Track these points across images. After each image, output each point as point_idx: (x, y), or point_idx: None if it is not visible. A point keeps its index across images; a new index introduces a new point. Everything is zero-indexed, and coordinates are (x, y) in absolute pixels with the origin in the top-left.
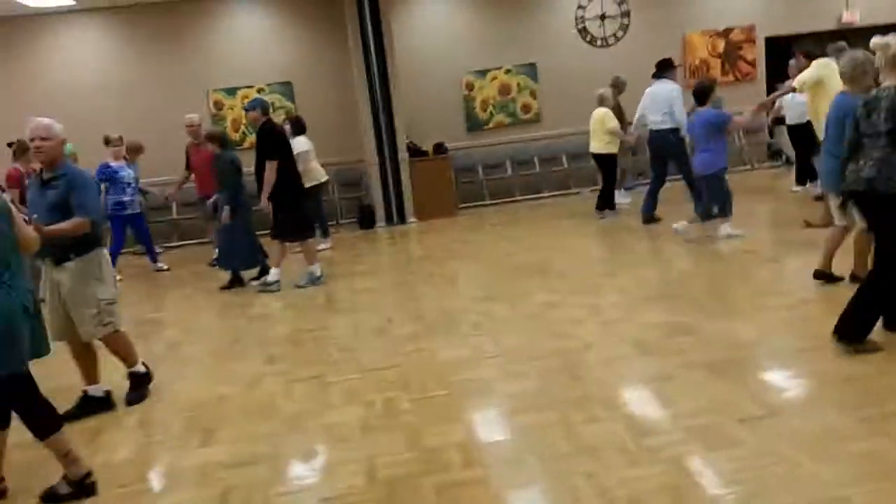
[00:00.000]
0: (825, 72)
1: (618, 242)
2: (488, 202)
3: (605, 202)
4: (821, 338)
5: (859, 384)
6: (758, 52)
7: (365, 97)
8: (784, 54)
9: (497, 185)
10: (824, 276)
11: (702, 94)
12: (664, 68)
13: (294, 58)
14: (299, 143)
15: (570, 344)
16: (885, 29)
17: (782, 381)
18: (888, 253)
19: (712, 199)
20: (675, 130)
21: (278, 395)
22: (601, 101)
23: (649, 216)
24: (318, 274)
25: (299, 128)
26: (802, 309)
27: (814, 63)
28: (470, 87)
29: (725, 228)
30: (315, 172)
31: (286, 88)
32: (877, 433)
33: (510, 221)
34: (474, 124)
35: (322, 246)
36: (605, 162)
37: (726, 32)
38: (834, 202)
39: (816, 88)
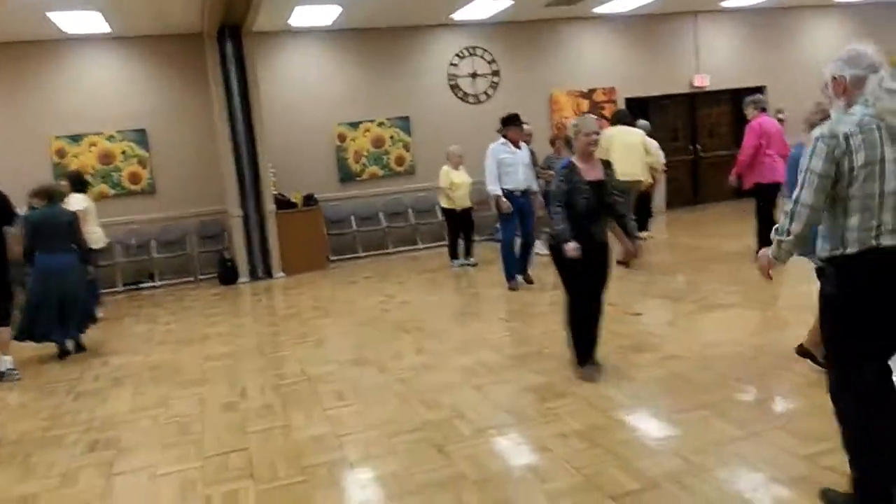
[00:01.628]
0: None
1: (495, 296)
2: (361, 254)
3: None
4: (697, 397)
5: (736, 448)
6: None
7: (228, 146)
8: (644, 114)
9: (370, 238)
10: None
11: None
12: (502, 124)
13: (150, 104)
14: (76, 201)
15: (441, 414)
16: (732, 92)
17: (656, 448)
18: None
19: None
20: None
21: (95, 493)
22: (451, 159)
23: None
24: (6, 367)
25: (79, 185)
26: (674, 365)
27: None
28: (342, 138)
29: None
30: (91, 236)
31: (139, 136)
32: None
33: (383, 275)
34: (346, 175)
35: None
36: (456, 216)
37: (590, 93)
38: None
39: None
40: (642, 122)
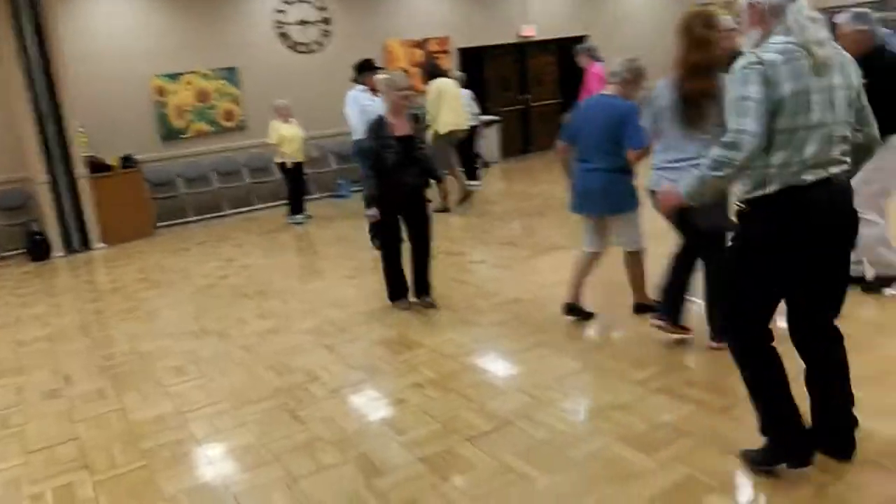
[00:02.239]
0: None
1: (337, 253)
2: (192, 218)
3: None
4: (537, 336)
5: (576, 380)
6: (453, 63)
7: (27, 107)
8: (478, 64)
9: (201, 200)
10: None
11: None
12: (358, 71)
13: None
14: None
15: (292, 379)
16: (558, 42)
17: (504, 387)
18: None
19: None
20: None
21: None
22: (280, 113)
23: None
24: None
25: None
26: (514, 307)
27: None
28: (161, 91)
29: None
30: None
31: None
32: (596, 432)
33: (219, 238)
34: (169, 133)
35: None
36: (290, 171)
37: (424, 42)
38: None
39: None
40: (458, 73)
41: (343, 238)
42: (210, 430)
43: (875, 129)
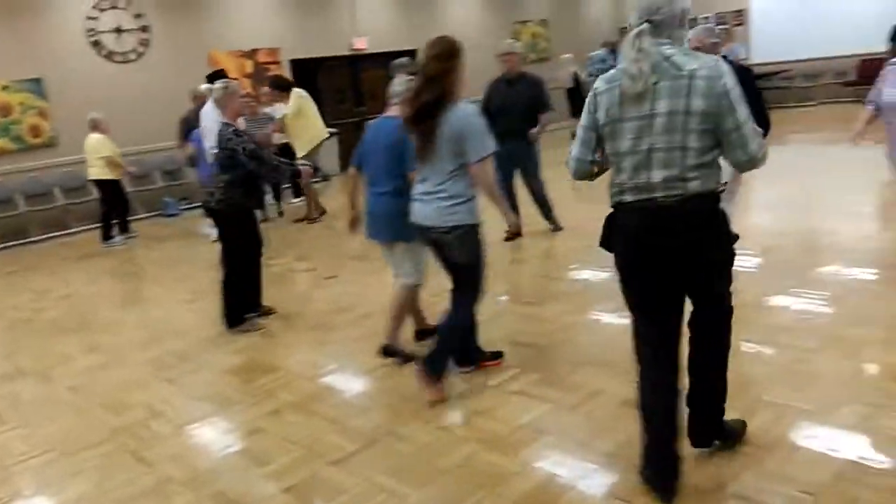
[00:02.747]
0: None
1: (172, 277)
2: None
3: (110, 229)
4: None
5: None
6: (285, 74)
7: None
8: (311, 75)
9: (6, 224)
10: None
11: None
12: (210, 82)
13: None
14: None
15: (132, 417)
16: (391, 55)
17: (367, 404)
18: None
19: None
20: None
21: None
22: (95, 127)
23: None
24: None
25: None
26: (369, 323)
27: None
28: None
29: None
30: None
31: None
32: (461, 440)
33: (30, 267)
34: None
35: None
36: (106, 188)
37: (253, 52)
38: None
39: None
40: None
41: (176, 259)
42: (40, 483)
43: (740, 155)
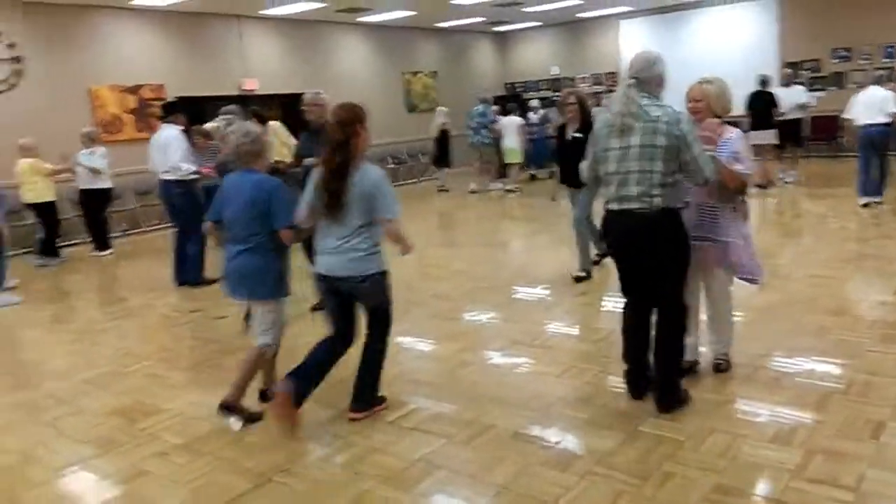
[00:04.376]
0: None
1: (52, 314)
2: None
3: (49, 250)
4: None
5: (330, 427)
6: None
7: None
8: (198, 113)
9: None
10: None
11: None
12: (169, 112)
13: None
14: None
15: (4, 461)
16: (283, 97)
17: (260, 443)
18: None
19: None
20: (179, 181)
21: None
22: (26, 151)
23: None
24: None
25: None
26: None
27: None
28: None
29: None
30: None
31: None
32: (357, 478)
33: None
34: None
35: None
36: (43, 210)
37: (136, 88)
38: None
39: None
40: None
41: (49, 296)
42: None
43: (698, 178)
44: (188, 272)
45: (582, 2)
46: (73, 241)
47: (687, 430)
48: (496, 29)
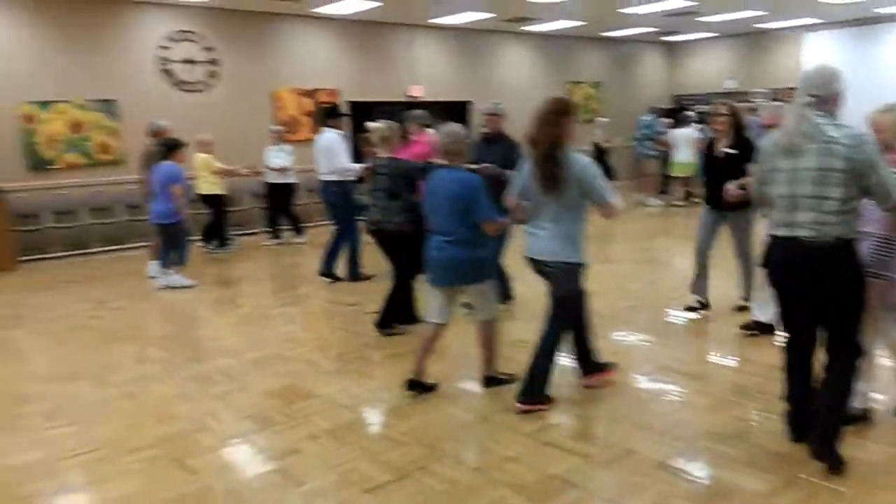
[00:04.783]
0: None
1: (221, 298)
2: (58, 254)
3: (217, 238)
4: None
5: (469, 432)
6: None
7: None
8: (367, 117)
9: (69, 235)
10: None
11: (169, 148)
12: (328, 116)
13: None
14: None
15: (178, 427)
16: (446, 104)
17: (400, 438)
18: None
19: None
20: (337, 182)
21: None
22: (202, 147)
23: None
24: None
25: None
26: (406, 361)
27: None
28: (30, 119)
29: (175, 278)
30: None
31: None
32: (490, 483)
33: (89, 277)
34: (37, 163)
35: None
36: (214, 201)
37: (313, 92)
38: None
39: None
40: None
41: (232, 280)
42: (91, 479)
43: (886, 202)
44: (332, 266)
45: (764, 13)
46: (248, 231)
47: (851, 482)
48: (666, 39)
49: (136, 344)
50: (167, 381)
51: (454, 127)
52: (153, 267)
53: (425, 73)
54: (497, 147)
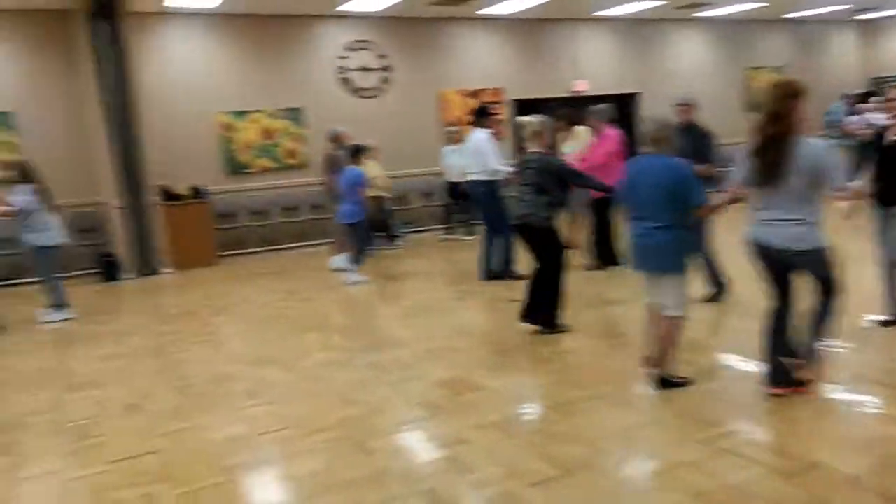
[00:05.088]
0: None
1: (398, 292)
2: (253, 250)
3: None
4: (594, 387)
5: (640, 434)
6: (507, 113)
7: (103, 133)
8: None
9: (262, 233)
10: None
11: (355, 153)
12: (480, 116)
13: (16, 85)
14: None
15: (357, 411)
16: (613, 98)
17: (568, 435)
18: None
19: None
20: (486, 182)
21: (3, 501)
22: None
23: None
24: None
25: None
26: (570, 358)
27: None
28: (228, 128)
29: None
30: None
31: (5, 118)
32: (661, 487)
33: (279, 271)
34: (234, 168)
35: None
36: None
37: (478, 93)
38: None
39: None
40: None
41: (403, 274)
42: (282, 454)
43: None
44: (494, 266)
45: None
46: (418, 229)
47: None
48: (861, 17)
49: (321, 332)
50: (348, 368)
51: (658, 115)
52: (336, 261)
53: (590, 67)
54: (689, 137)
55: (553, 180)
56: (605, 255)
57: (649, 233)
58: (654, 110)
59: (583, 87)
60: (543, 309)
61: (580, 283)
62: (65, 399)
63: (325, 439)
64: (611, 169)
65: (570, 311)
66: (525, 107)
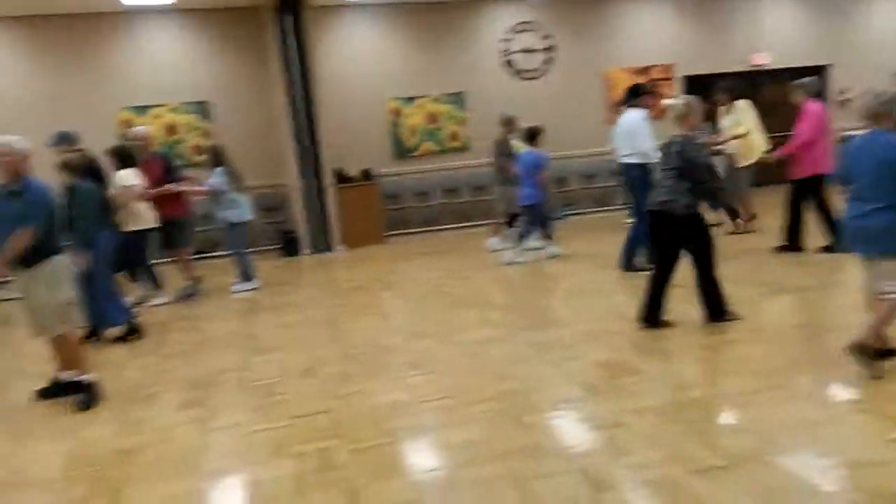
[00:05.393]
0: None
1: (556, 273)
2: (415, 230)
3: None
4: (768, 377)
5: (820, 430)
6: (676, 91)
7: (287, 119)
8: (702, 92)
9: (425, 213)
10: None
11: (531, 136)
12: (633, 95)
13: (211, 76)
14: (125, 177)
15: (514, 386)
16: (797, 71)
17: (736, 425)
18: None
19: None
20: (639, 165)
21: (195, 448)
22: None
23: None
24: None
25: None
26: (740, 347)
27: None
28: (396, 113)
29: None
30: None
31: (201, 108)
32: (840, 489)
33: (441, 251)
34: (401, 151)
35: (158, 301)
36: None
37: (646, 69)
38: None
39: None
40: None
41: (562, 257)
42: (441, 421)
43: None
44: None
45: None
46: (576, 212)
47: None
48: None
49: (479, 309)
50: (506, 344)
51: (880, 87)
52: (494, 242)
53: (771, 38)
54: None
55: (695, 166)
56: (795, 239)
57: (869, 213)
58: (848, 84)
59: (763, 60)
60: (706, 301)
61: (768, 268)
62: (251, 361)
63: (482, 410)
64: (815, 146)
65: (746, 298)
66: (697, 83)
